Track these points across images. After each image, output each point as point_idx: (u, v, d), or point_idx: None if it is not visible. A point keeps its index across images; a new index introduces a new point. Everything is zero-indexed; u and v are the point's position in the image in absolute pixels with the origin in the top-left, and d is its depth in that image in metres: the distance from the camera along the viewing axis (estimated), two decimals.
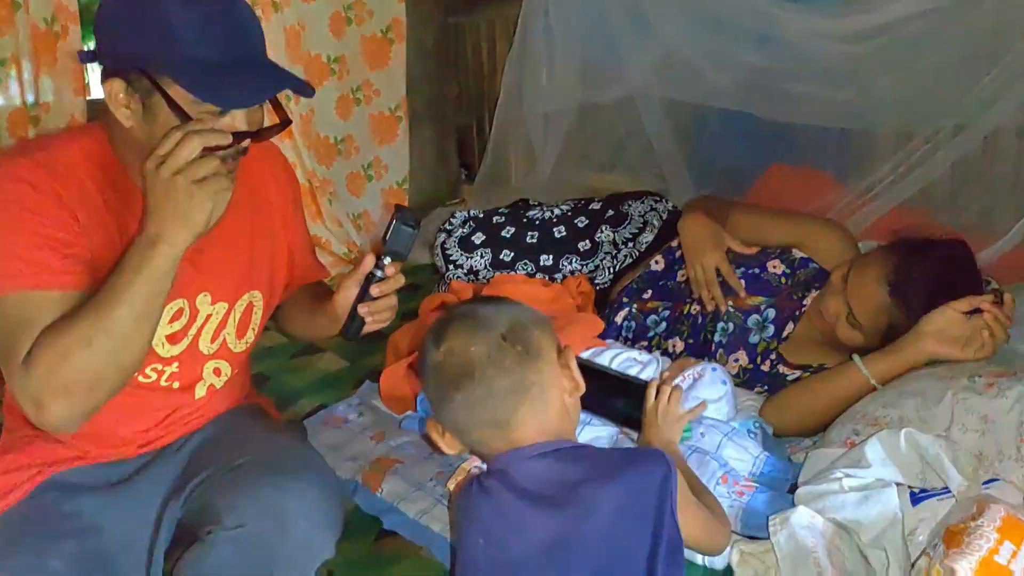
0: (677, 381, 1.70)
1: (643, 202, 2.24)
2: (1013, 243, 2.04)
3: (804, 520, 1.26)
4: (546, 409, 1.12)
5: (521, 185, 3.16)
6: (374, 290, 1.40)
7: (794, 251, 1.91)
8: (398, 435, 1.76)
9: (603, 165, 2.97)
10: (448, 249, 2.20)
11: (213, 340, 1.48)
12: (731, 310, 1.89)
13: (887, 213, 2.25)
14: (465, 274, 2.20)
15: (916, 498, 1.31)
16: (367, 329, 1.43)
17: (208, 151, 1.22)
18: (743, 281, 1.89)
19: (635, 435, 1.49)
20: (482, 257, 2.17)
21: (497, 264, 2.15)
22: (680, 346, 1.93)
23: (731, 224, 1.97)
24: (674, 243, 2.05)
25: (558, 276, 2.15)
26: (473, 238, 2.19)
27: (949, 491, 1.29)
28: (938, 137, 2.20)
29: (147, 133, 1.27)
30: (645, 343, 1.97)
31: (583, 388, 1.17)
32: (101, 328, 1.21)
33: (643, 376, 1.74)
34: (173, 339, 1.43)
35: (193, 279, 1.41)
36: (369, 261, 1.40)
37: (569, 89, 2.79)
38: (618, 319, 2.01)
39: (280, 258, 1.56)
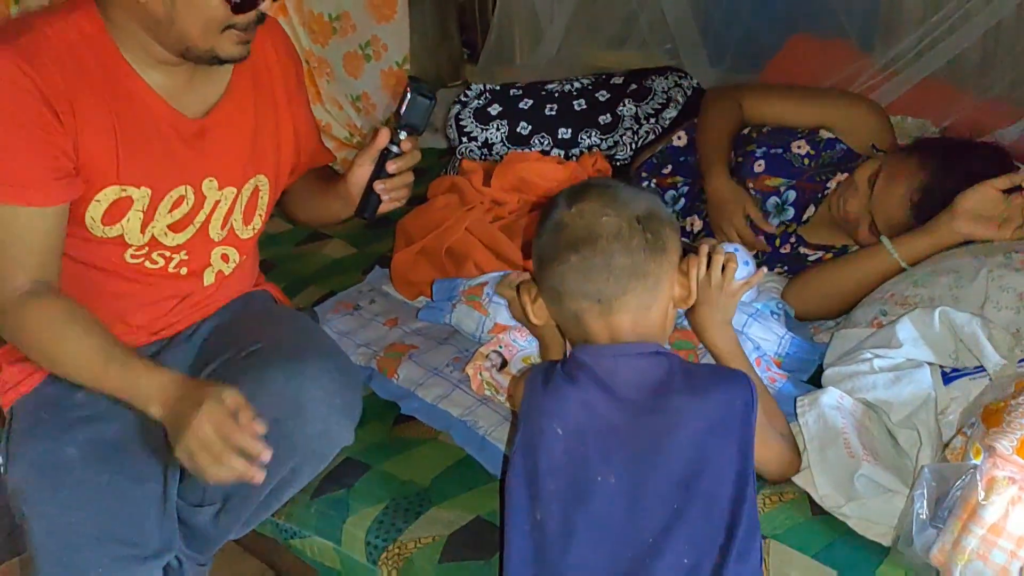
0: None
1: (667, 78, 2.15)
2: None
3: (833, 401, 1.23)
4: (652, 305, 1.09)
5: (527, 63, 3.04)
6: (390, 166, 1.35)
7: (821, 132, 1.82)
8: (412, 321, 1.73)
9: (613, 40, 2.83)
10: (463, 120, 2.12)
11: (223, 226, 1.43)
12: (751, 191, 1.82)
13: (912, 87, 2.15)
14: (479, 147, 2.13)
15: (948, 377, 1.29)
16: (383, 208, 1.39)
17: None
18: (763, 161, 1.82)
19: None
20: (498, 130, 2.09)
21: (513, 137, 2.08)
22: (699, 224, 1.87)
23: (753, 110, 1.88)
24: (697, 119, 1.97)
25: (576, 151, 2.08)
26: (489, 109, 2.12)
27: (982, 370, 1.27)
28: (970, 3, 2.07)
29: (168, 7, 1.21)
30: None
31: (693, 300, 1.13)
32: (59, 366, 1.25)
33: None
34: (177, 227, 1.38)
35: (195, 163, 1.36)
36: (384, 136, 1.34)
37: None
38: None
39: (285, 140, 1.49)
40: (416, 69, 3.19)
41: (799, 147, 1.81)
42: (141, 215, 1.33)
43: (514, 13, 2.98)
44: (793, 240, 1.79)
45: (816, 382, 1.43)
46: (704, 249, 1.28)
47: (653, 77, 2.13)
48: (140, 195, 1.31)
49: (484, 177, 1.98)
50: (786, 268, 1.78)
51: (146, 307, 1.42)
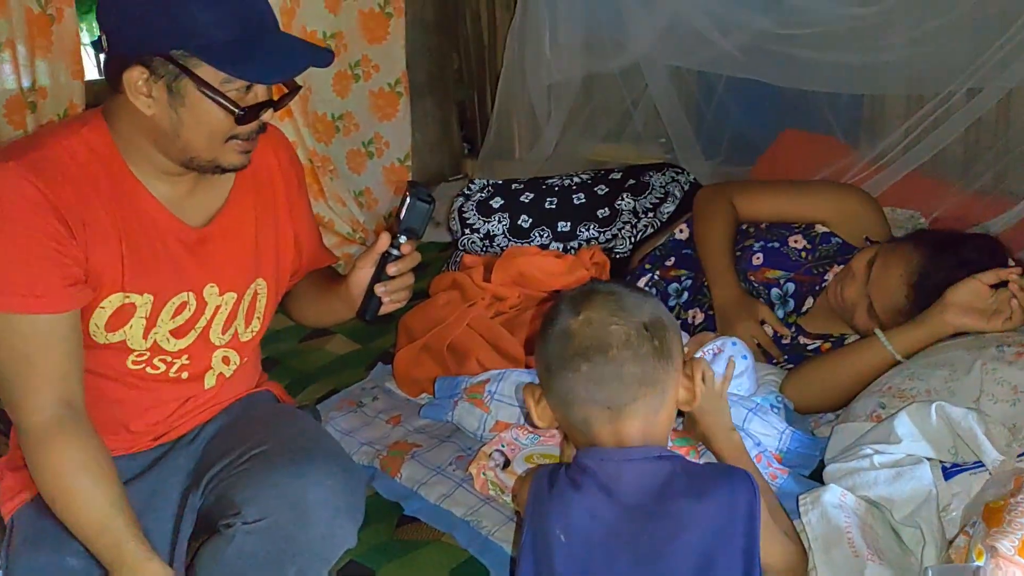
0: (697, 356, 1.68)
1: (664, 173, 2.21)
2: None
3: (835, 499, 1.23)
4: (659, 411, 1.10)
5: (526, 158, 3.13)
6: (391, 269, 1.38)
7: (817, 226, 1.88)
8: (414, 418, 1.74)
9: (609, 135, 2.93)
10: (466, 213, 2.19)
11: (224, 331, 1.45)
12: (753, 283, 1.86)
13: (900, 179, 2.22)
14: (481, 239, 2.18)
15: (948, 472, 1.29)
16: (384, 310, 1.42)
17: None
18: (761, 255, 1.86)
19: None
20: (500, 222, 2.15)
21: (515, 230, 2.14)
22: (700, 317, 1.90)
23: (746, 209, 1.93)
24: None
25: (574, 244, 2.13)
26: (492, 203, 2.19)
27: (982, 465, 1.27)
28: (951, 101, 2.16)
29: (174, 120, 1.26)
30: None
31: (699, 400, 1.15)
32: (59, 512, 1.26)
33: None
34: (179, 332, 1.40)
35: (197, 270, 1.39)
36: (384, 240, 1.38)
37: (573, 59, 2.74)
38: (639, 284, 1.99)
39: (286, 244, 1.53)
40: (418, 164, 3.28)
41: (796, 241, 1.86)
42: (144, 321, 1.35)
43: (512, 110, 3.08)
44: (793, 330, 1.82)
45: (818, 477, 1.43)
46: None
47: (651, 173, 2.20)
48: (143, 302, 1.34)
49: (484, 272, 2.02)
50: (786, 358, 1.80)
51: (147, 412, 1.43)
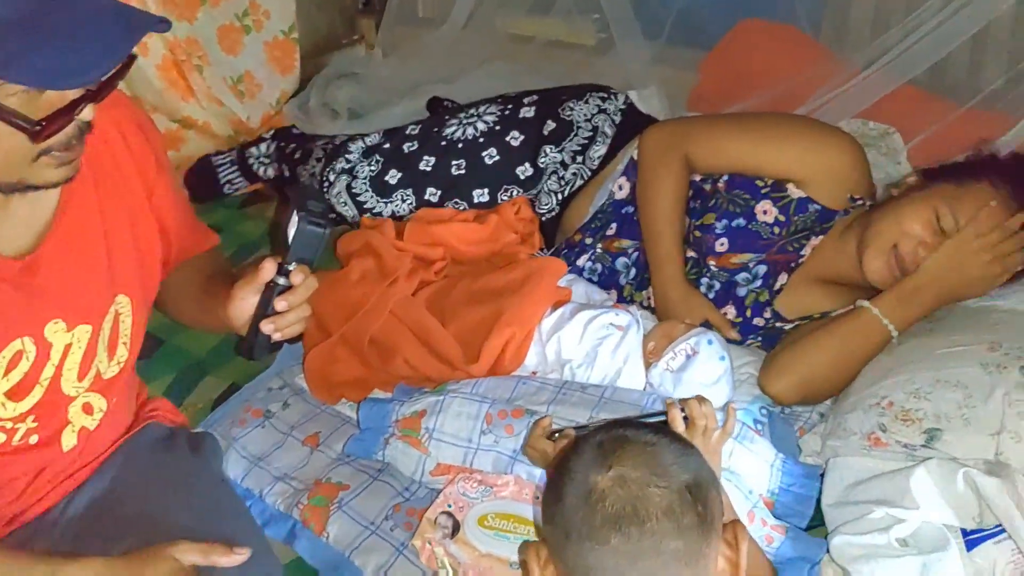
0: (666, 359, 1.45)
1: (587, 102, 1.76)
2: None
3: None
4: None
5: (435, 22, 2.69)
6: (279, 303, 1.10)
7: (789, 188, 1.55)
8: (336, 436, 1.47)
9: (535, 7, 2.49)
10: (359, 194, 1.76)
11: (82, 376, 1.14)
12: (715, 269, 1.59)
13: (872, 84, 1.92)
14: None
15: (969, 541, 1.14)
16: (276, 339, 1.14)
17: None
18: (726, 240, 1.57)
19: None
20: (404, 200, 1.74)
21: (424, 208, 1.74)
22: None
23: (703, 161, 1.60)
24: (635, 153, 1.67)
25: None
26: (387, 178, 1.75)
27: (1003, 530, 1.12)
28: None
29: None
30: (616, 291, 1.67)
31: (742, 574, 0.91)
32: None
33: (625, 342, 1.48)
34: (18, 392, 1.09)
35: (29, 309, 1.07)
36: (268, 268, 1.09)
37: None
38: (580, 263, 1.68)
39: (149, 242, 1.21)
40: (305, 29, 2.79)
41: (765, 212, 1.55)
42: None
43: None
44: (768, 314, 1.58)
45: (817, 514, 1.28)
46: (673, 411, 1.15)
47: (571, 104, 1.75)
48: None
49: (396, 234, 1.69)
50: (760, 339, 1.58)
51: None
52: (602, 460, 0.85)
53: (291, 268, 1.08)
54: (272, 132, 2.23)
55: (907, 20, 1.81)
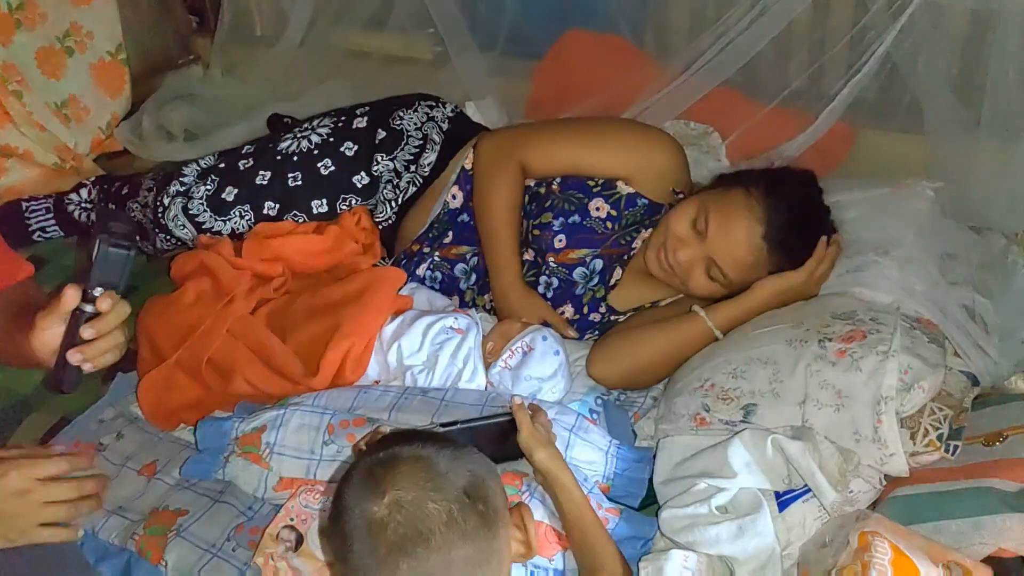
0: (504, 357, 1.49)
1: (416, 111, 1.78)
2: (828, 125, 1.90)
3: (678, 568, 1.13)
4: None
5: (270, 39, 2.64)
6: (86, 331, 1.05)
7: (619, 185, 1.64)
8: (173, 463, 1.43)
9: (370, 23, 2.49)
10: (196, 215, 1.72)
11: None
12: (554, 266, 1.64)
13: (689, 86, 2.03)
14: None
15: (782, 502, 1.22)
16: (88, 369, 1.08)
17: None
18: (563, 236, 1.63)
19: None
20: (242, 216, 1.72)
21: (263, 222, 1.72)
22: None
23: (538, 168, 1.65)
24: (467, 163, 1.72)
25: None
26: (224, 195, 1.72)
27: (810, 490, 1.22)
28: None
29: None
30: (458, 297, 1.70)
31: (535, 552, 0.94)
32: None
33: (464, 345, 1.51)
34: None
35: None
36: (71, 295, 1.04)
37: None
38: (420, 272, 1.70)
39: None
40: (135, 51, 2.69)
41: (598, 209, 1.63)
42: None
43: None
44: (603, 309, 1.65)
45: (650, 495, 1.34)
46: (520, 410, 1.21)
47: (400, 113, 1.77)
48: None
49: (234, 251, 1.66)
50: (597, 334, 1.65)
51: None
52: (375, 487, 0.86)
53: (97, 294, 1.04)
54: (93, 179, 2.13)
55: (716, 25, 1.92)
